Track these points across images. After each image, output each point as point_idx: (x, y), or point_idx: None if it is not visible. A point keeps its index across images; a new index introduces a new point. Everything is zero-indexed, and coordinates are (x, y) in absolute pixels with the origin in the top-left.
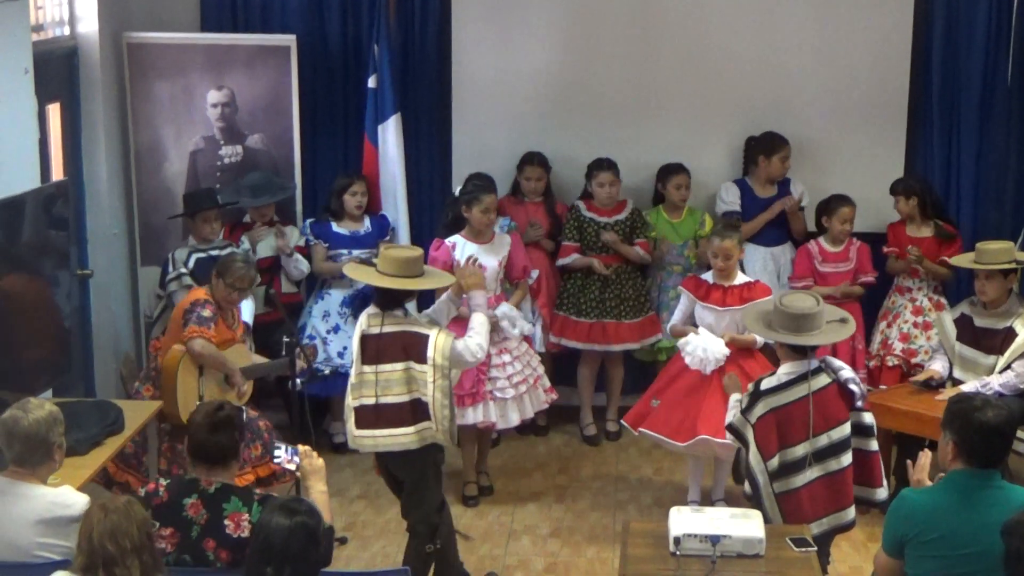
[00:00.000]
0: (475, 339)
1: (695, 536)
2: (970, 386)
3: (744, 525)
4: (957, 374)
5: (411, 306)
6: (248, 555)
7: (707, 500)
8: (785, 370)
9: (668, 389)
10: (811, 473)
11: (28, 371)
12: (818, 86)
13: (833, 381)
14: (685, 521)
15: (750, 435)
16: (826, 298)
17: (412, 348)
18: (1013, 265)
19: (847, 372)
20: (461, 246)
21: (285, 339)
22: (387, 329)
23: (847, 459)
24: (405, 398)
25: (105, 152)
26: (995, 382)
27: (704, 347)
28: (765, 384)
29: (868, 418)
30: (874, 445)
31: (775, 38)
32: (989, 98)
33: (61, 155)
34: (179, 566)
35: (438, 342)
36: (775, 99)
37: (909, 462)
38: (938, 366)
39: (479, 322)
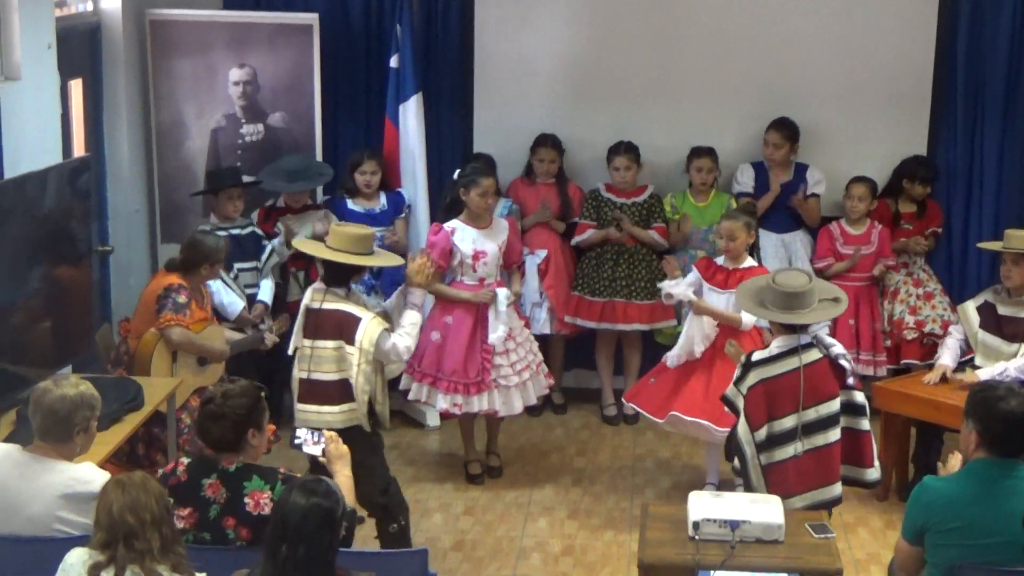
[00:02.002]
0: (405, 341)
1: (714, 521)
2: (986, 372)
3: (764, 511)
4: (979, 362)
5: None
6: (267, 533)
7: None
8: (777, 343)
9: (667, 368)
10: (798, 446)
11: (47, 347)
12: (841, 71)
13: (824, 356)
14: (704, 505)
15: (741, 405)
16: (852, 278)
17: (345, 328)
18: None
19: (838, 348)
20: (461, 231)
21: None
22: (326, 305)
23: (835, 435)
24: (334, 376)
25: (127, 129)
26: (1012, 367)
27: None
28: (756, 356)
29: (860, 397)
30: (866, 424)
31: (797, 21)
32: (1014, 85)
33: (83, 131)
34: (198, 544)
35: (368, 327)
36: (796, 83)
37: (940, 463)
38: (948, 360)
39: (410, 322)
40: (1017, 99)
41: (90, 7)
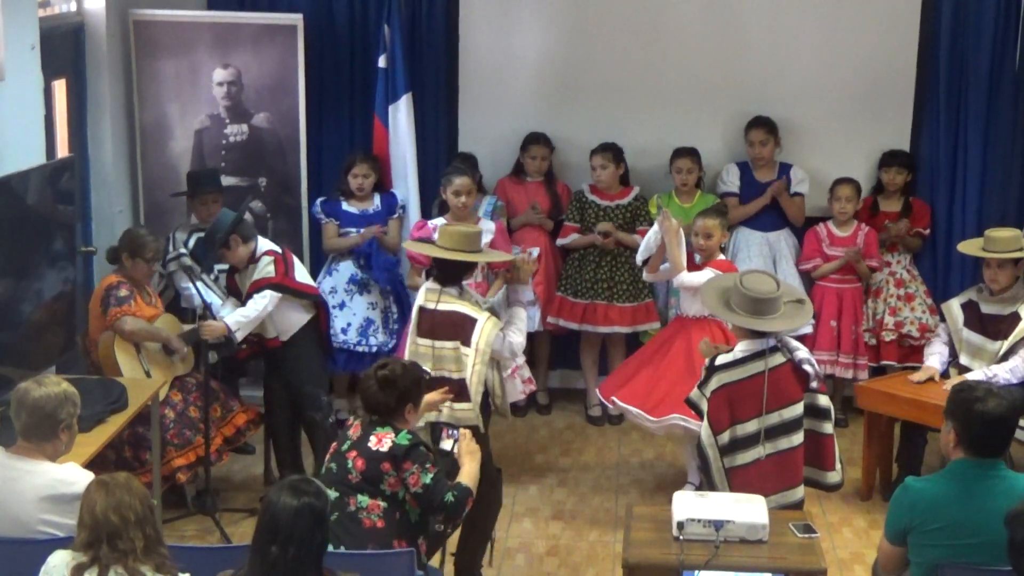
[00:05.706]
0: (517, 338)
1: (698, 521)
2: (977, 375)
3: (748, 510)
4: (964, 360)
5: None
6: (255, 532)
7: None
8: (741, 347)
9: (645, 364)
10: (761, 450)
11: (31, 348)
12: (824, 70)
13: (788, 360)
14: (689, 506)
15: (705, 408)
16: (837, 280)
17: (461, 329)
18: (1022, 253)
19: (802, 353)
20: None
21: None
22: (442, 306)
23: (798, 439)
24: (456, 376)
25: (111, 129)
26: (1001, 372)
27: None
28: (720, 360)
29: (823, 400)
30: (828, 428)
31: (781, 21)
32: (996, 84)
33: (66, 132)
34: (325, 474)
35: (485, 328)
36: (780, 82)
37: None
38: (935, 362)
39: (520, 318)
40: (1000, 96)
41: (73, 7)
